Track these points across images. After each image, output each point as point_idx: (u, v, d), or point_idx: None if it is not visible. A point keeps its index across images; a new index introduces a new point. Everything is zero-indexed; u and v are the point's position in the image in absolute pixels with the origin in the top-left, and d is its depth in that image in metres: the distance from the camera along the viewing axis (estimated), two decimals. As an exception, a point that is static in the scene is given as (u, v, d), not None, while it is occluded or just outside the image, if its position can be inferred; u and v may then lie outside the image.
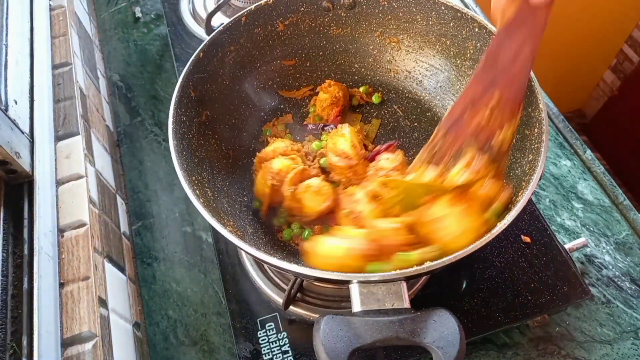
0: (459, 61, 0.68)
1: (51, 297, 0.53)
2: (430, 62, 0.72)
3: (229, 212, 0.59)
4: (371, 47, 0.74)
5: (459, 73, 0.69)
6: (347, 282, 0.45)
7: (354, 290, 0.44)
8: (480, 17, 0.63)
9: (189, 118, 0.59)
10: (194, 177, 0.55)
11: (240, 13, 0.66)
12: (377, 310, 0.42)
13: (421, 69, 0.73)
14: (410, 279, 0.44)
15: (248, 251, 0.46)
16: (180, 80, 0.58)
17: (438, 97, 0.72)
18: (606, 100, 1.85)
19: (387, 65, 0.75)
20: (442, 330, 0.40)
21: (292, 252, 0.62)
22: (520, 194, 0.50)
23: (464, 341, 0.40)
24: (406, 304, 0.43)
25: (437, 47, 0.70)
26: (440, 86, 0.71)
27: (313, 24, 0.72)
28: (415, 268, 0.43)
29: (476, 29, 0.63)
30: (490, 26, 0.62)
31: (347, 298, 0.63)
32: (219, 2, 0.84)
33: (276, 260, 0.45)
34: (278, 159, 0.63)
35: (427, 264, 0.43)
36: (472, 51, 0.66)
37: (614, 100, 1.81)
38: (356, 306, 0.43)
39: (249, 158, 0.68)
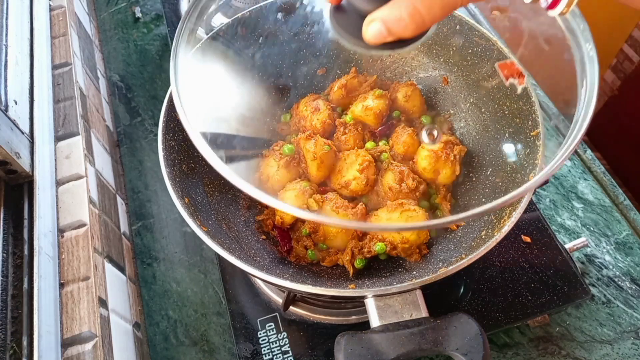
0: (442, 59, 0.68)
1: (51, 297, 0.53)
2: (413, 63, 0.71)
3: (228, 234, 0.58)
4: (351, 53, 0.73)
5: (444, 71, 0.68)
6: (362, 298, 0.44)
7: (370, 304, 0.44)
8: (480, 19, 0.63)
9: (177, 142, 0.58)
10: (188, 200, 0.54)
11: (213, 31, 0.63)
12: (397, 323, 0.42)
13: (405, 70, 0.72)
14: (426, 289, 0.44)
15: (263, 278, 0.45)
16: (165, 103, 0.57)
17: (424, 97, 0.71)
18: (606, 100, 1.85)
19: (369, 69, 0.73)
20: (465, 336, 0.40)
21: (300, 268, 0.60)
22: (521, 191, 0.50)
23: (488, 345, 0.40)
24: (424, 313, 0.43)
25: (419, 47, 0.68)
26: (425, 86, 0.71)
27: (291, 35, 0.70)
28: (431, 276, 0.43)
29: (457, 27, 0.63)
30: (472, 22, 0.62)
31: (348, 299, 0.63)
32: (219, 2, 0.84)
33: (289, 283, 0.45)
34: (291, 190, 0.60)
35: (443, 270, 0.43)
36: (455, 48, 0.65)
37: (614, 100, 1.81)
38: (374, 321, 0.43)
39: None
